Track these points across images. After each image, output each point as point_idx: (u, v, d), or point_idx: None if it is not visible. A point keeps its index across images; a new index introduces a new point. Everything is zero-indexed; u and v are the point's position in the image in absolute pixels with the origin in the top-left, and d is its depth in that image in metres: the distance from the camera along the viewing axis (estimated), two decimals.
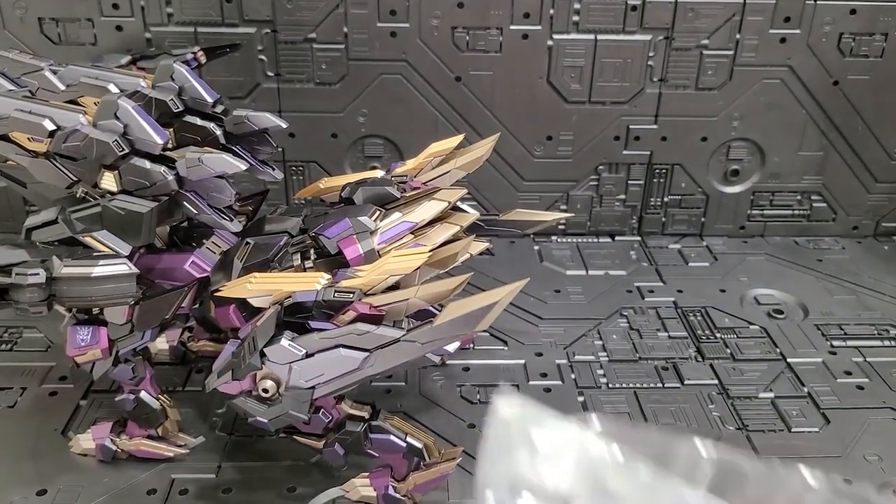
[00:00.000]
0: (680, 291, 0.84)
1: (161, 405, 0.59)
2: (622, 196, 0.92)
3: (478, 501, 0.35)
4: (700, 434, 0.38)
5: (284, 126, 0.57)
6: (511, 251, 0.91)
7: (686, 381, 0.70)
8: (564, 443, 0.36)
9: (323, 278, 0.48)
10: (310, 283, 0.48)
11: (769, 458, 0.44)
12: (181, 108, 0.54)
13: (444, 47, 0.83)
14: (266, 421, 0.49)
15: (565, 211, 0.91)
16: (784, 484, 0.36)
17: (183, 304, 0.53)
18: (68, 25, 0.81)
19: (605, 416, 0.39)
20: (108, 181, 0.50)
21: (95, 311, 0.52)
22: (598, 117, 0.88)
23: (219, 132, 0.55)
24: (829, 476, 0.36)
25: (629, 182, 0.92)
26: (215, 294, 0.51)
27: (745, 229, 0.95)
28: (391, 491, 0.54)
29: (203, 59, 0.70)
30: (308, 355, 0.47)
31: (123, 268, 0.50)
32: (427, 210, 0.51)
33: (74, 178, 0.51)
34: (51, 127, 0.49)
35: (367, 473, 0.55)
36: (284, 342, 0.47)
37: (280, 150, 0.68)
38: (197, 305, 0.54)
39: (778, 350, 0.74)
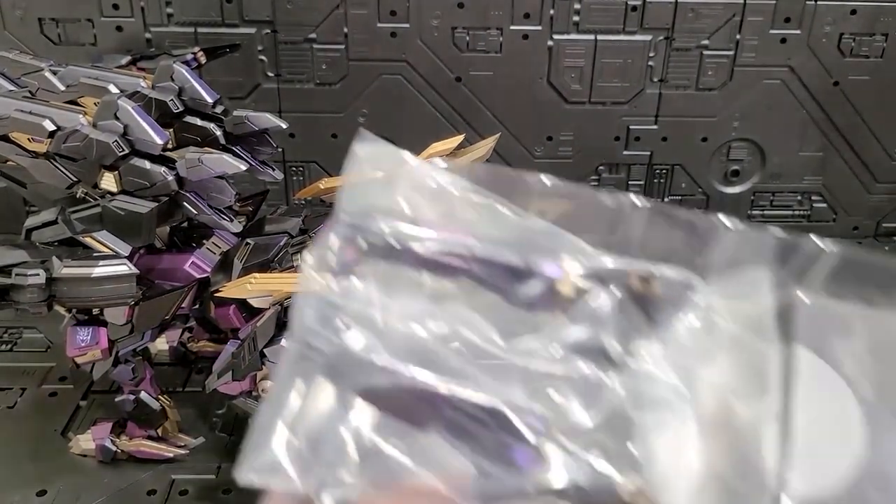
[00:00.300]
0: None
1: (161, 406, 0.59)
2: None
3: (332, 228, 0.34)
4: None
5: (284, 126, 0.57)
6: None
7: None
8: (416, 178, 0.36)
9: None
10: None
11: None
12: (181, 109, 0.54)
13: (445, 48, 0.83)
14: None
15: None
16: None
17: (183, 305, 0.53)
18: (68, 26, 0.81)
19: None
20: (108, 182, 0.50)
21: (95, 311, 0.52)
22: (598, 118, 0.88)
23: (219, 133, 0.55)
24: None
25: (629, 182, 0.91)
26: (215, 294, 0.51)
27: None
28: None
29: (203, 60, 0.70)
30: None
31: (123, 268, 0.50)
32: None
33: (74, 179, 0.51)
34: (51, 127, 0.49)
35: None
36: (285, 343, 0.47)
37: (280, 150, 0.68)
38: (197, 306, 0.54)
39: None
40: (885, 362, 0.33)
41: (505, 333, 0.32)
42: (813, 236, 0.37)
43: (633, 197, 0.37)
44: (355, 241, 0.33)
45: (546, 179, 0.38)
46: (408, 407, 0.30)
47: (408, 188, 0.36)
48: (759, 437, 0.32)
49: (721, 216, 0.37)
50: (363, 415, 0.31)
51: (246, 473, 0.29)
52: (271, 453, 0.30)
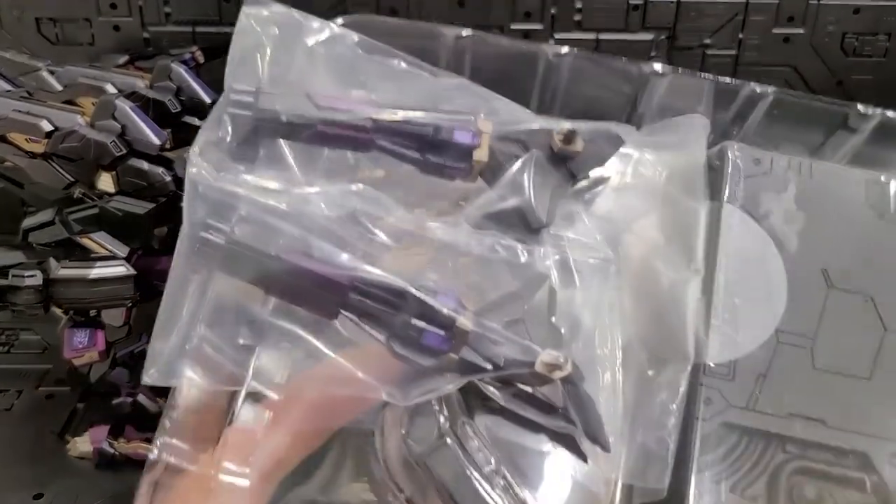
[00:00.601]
0: None
1: (159, 408, 0.58)
2: None
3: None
4: None
5: None
6: None
7: None
8: (313, 41, 0.34)
9: None
10: None
11: None
12: (179, 109, 0.54)
13: None
14: None
15: None
16: None
17: None
18: (66, 25, 0.80)
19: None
20: (106, 182, 0.50)
21: (93, 313, 0.52)
22: None
23: None
24: None
25: None
26: None
27: None
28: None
29: (201, 59, 0.70)
30: None
31: (121, 269, 0.49)
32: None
33: (72, 179, 0.50)
34: (48, 128, 0.49)
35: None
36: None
37: None
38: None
39: None
40: (811, 211, 0.33)
41: (418, 207, 0.30)
42: (752, 84, 0.36)
43: (556, 46, 0.36)
44: (246, 121, 0.31)
45: (464, 30, 0.35)
46: (311, 294, 0.28)
47: (302, 55, 0.33)
48: (683, 303, 0.31)
49: (656, 65, 0.36)
50: (264, 306, 0.30)
51: (148, 376, 0.29)
52: (172, 351, 0.29)
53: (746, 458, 0.30)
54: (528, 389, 0.29)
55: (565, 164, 0.31)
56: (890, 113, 0.33)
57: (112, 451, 0.58)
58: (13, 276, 0.48)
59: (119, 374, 0.55)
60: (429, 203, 0.31)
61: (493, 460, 0.28)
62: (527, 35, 0.83)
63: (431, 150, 0.31)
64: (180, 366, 0.29)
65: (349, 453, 0.30)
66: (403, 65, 0.33)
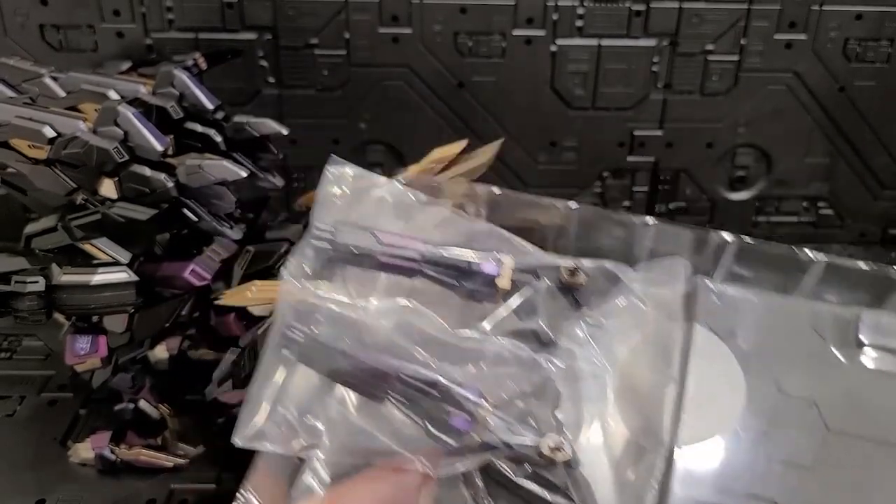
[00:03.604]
0: None
1: (161, 414, 0.58)
2: (627, 203, 0.92)
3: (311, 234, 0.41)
4: None
5: (285, 132, 0.57)
6: None
7: None
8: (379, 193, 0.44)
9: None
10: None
11: None
12: (182, 115, 0.54)
13: (447, 53, 0.83)
14: None
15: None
16: None
17: (183, 313, 0.52)
18: (69, 32, 0.81)
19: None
20: (108, 188, 0.50)
21: (95, 319, 0.52)
22: (602, 123, 0.87)
23: (219, 139, 0.55)
24: None
25: (634, 189, 0.91)
26: (215, 302, 0.51)
27: (751, 236, 0.94)
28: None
29: (204, 66, 0.70)
30: None
31: (123, 276, 0.49)
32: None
33: (74, 186, 0.50)
34: (51, 134, 0.49)
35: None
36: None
37: (281, 156, 0.68)
38: (197, 314, 0.54)
39: None
40: (766, 334, 0.42)
41: (452, 322, 0.39)
42: (721, 232, 0.47)
43: (569, 202, 0.46)
44: (326, 251, 0.40)
45: (496, 189, 0.47)
46: (367, 383, 0.36)
47: (371, 203, 0.43)
48: (660, 401, 0.39)
49: (647, 218, 0.46)
50: (333, 391, 0.38)
51: (238, 440, 0.36)
52: (258, 422, 0.36)
53: None
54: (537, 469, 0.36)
55: (571, 293, 0.41)
56: (835, 258, 0.46)
57: (114, 457, 0.58)
58: (16, 282, 0.48)
59: (121, 381, 0.55)
60: (461, 318, 0.40)
61: None
62: (529, 41, 0.83)
63: (465, 277, 0.40)
64: (262, 434, 0.37)
65: None
66: (446, 212, 0.44)
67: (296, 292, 0.38)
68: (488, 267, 0.40)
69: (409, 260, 0.40)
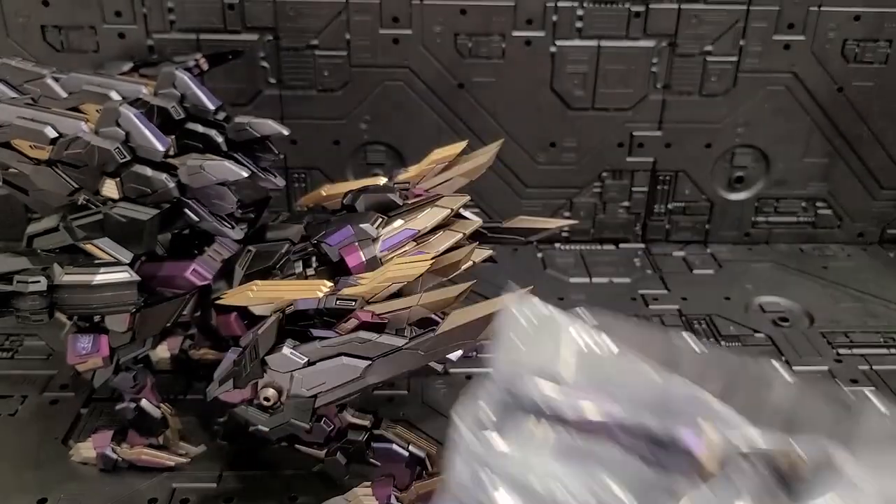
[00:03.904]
0: (684, 299, 0.83)
1: (162, 414, 0.59)
2: (626, 203, 0.92)
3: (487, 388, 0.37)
4: None
5: (286, 133, 0.57)
6: (514, 259, 0.90)
7: None
8: (565, 336, 0.39)
9: (325, 286, 0.48)
10: (312, 290, 0.48)
11: None
12: (183, 116, 0.54)
13: (447, 54, 0.83)
14: (267, 430, 0.48)
15: (569, 217, 0.91)
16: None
17: (184, 313, 0.52)
18: (71, 33, 0.81)
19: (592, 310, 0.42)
20: (110, 188, 0.50)
21: (97, 318, 0.52)
22: (601, 124, 0.87)
23: (220, 139, 0.55)
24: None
25: (633, 189, 0.91)
26: (217, 302, 0.51)
27: (749, 236, 0.94)
28: (394, 501, 0.53)
29: (205, 66, 0.70)
30: (310, 363, 0.47)
31: (125, 275, 0.49)
32: (430, 217, 0.51)
33: (76, 186, 0.50)
34: (52, 134, 0.49)
35: (369, 483, 0.54)
36: (286, 350, 0.47)
37: (282, 157, 0.68)
38: (198, 313, 0.54)
39: (783, 358, 0.74)
40: None
41: (640, 496, 0.34)
42: None
43: (775, 364, 0.39)
44: (505, 401, 0.37)
45: (694, 344, 0.40)
46: None
47: (557, 350, 0.39)
48: None
49: (875, 396, 0.38)
50: None
51: None
52: None
53: None
54: None
55: (787, 486, 0.34)
56: None
57: (115, 456, 0.59)
58: (18, 281, 0.48)
59: (122, 380, 0.55)
60: (651, 493, 0.35)
61: None
62: (528, 42, 0.84)
63: (662, 450, 0.35)
64: None
65: None
66: (639, 365, 0.38)
67: (470, 446, 0.35)
68: (690, 440, 0.34)
69: (592, 423, 0.36)
